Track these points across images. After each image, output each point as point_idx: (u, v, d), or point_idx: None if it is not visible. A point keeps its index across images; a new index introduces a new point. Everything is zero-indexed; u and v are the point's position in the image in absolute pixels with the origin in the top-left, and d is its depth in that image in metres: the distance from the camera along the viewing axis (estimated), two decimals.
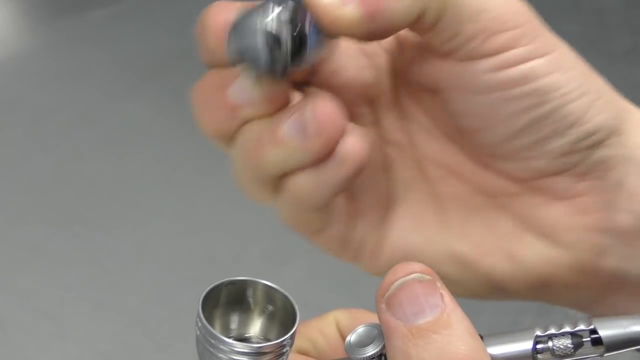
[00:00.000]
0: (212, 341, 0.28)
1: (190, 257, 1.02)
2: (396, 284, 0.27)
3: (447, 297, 0.27)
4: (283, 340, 0.29)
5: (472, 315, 0.27)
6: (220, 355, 0.28)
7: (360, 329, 0.29)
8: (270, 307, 0.30)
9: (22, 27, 1.58)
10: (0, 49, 1.50)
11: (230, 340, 0.28)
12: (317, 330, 0.33)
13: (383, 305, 0.27)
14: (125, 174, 1.18)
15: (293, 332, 0.29)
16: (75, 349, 0.92)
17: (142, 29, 1.51)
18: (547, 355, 0.29)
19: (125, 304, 0.97)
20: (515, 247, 0.34)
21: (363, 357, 0.28)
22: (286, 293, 0.30)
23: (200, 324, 0.29)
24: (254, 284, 0.30)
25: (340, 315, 0.33)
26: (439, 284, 0.27)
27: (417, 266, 0.28)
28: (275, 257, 0.99)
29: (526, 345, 0.29)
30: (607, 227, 0.33)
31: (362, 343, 0.29)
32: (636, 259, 0.33)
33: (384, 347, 0.28)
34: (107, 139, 1.25)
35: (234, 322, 0.31)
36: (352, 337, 0.29)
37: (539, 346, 0.29)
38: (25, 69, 1.43)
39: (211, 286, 0.30)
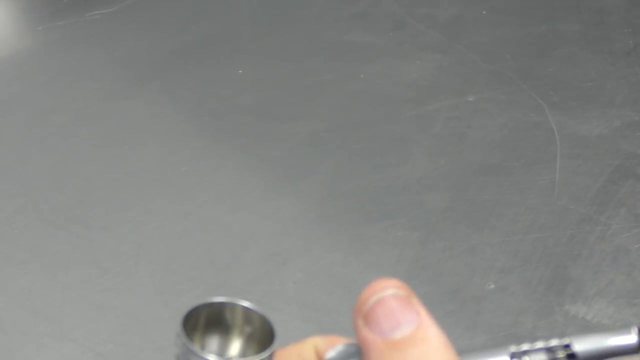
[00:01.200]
0: (194, 359, 0.28)
1: (189, 257, 1.02)
2: (372, 299, 0.28)
3: (423, 312, 0.27)
4: None
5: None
6: None
7: (340, 347, 0.30)
8: (248, 328, 0.30)
9: (22, 27, 1.58)
10: (0, 48, 1.50)
11: (212, 358, 0.28)
12: (296, 355, 0.33)
13: (360, 321, 0.28)
14: (124, 174, 1.18)
15: (271, 353, 0.29)
16: (74, 350, 0.92)
17: (141, 29, 1.51)
18: None
19: (125, 304, 0.97)
20: None
21: None
22: (264, 314, 0.30)
23: (180, 343, 0.29)
24: (232, 305, 0.31)
25: (318, 342, 0.33)
26: (415, 300, 0.28)
27: (393, 282, 0.28)
28: (275, 257, 0.99)
29: None
30: None
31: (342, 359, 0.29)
32: None
33: None
34: (106, 138, 1.25)
35: (213, 343, 0.31)
36: (331, 354, 0.30)
37: None
38: (25, 69, 1.43)
39: (190, 308, 0.30)
